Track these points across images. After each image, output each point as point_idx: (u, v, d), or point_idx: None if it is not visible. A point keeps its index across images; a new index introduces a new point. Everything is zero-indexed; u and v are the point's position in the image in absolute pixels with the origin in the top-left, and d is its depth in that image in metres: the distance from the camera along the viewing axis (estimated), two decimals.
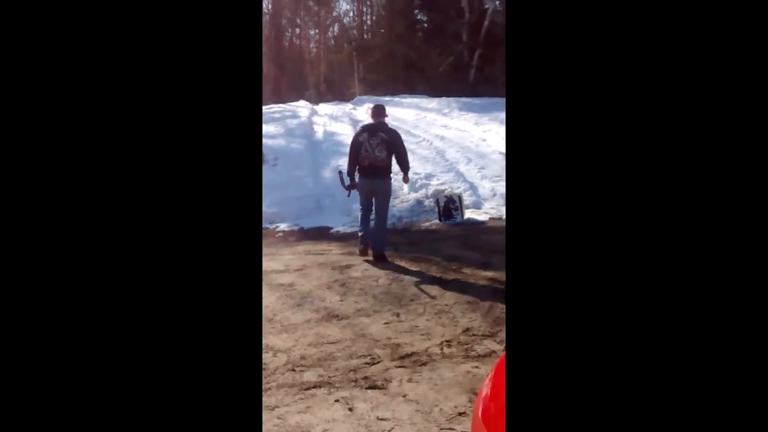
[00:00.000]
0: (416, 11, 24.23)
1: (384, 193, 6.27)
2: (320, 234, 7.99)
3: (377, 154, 6.15)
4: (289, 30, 33.39)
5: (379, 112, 6.45)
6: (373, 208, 6.29)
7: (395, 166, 6.32)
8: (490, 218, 8.14)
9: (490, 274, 5.54)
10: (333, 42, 34.82)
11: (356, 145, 6.30)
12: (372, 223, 6.38)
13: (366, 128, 6.42)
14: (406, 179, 6.65)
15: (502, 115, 13.03)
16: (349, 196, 6.91)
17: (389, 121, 6.82)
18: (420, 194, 8.89)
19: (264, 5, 29.56)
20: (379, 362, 3.68)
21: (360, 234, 6.39)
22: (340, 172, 6.74)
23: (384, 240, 6.28)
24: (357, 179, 6.41)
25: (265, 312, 4.67)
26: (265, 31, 27.96)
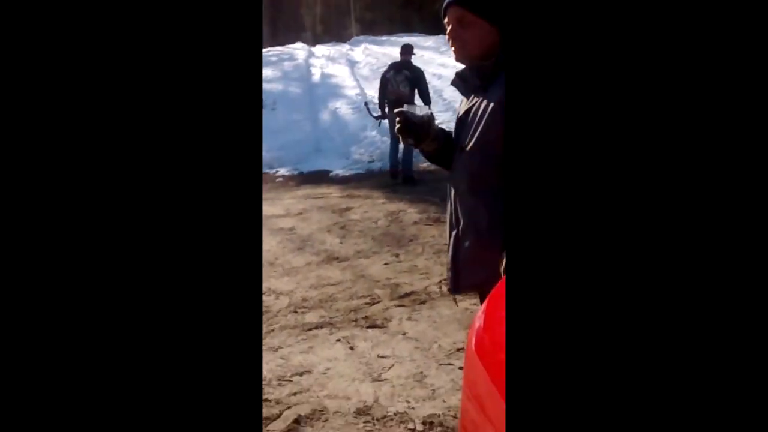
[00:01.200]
0: None
1: None
2: (319, 178, 8.02)
3: (402, 89, 6.93)
4: None
5: (406, 50, 7.28)
6: None
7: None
8: None
9: None
10: None
11: (383, 82, 7.17)
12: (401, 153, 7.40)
13: (393, 66, 7.23)
14: None
15: None
16: (379, 125, 7.84)
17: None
18: None
19: None
20: (379, 302, 3.75)
21: (390, 163, 7.39)
22: (366, 104, 7.89)
23: (411, 163, 7.25)
24: (386, 111, 7.32)
25: (267, 256, 4.73)
26: None
